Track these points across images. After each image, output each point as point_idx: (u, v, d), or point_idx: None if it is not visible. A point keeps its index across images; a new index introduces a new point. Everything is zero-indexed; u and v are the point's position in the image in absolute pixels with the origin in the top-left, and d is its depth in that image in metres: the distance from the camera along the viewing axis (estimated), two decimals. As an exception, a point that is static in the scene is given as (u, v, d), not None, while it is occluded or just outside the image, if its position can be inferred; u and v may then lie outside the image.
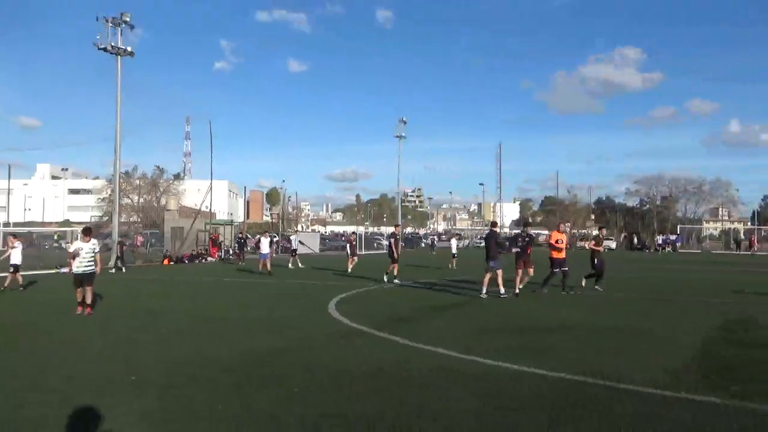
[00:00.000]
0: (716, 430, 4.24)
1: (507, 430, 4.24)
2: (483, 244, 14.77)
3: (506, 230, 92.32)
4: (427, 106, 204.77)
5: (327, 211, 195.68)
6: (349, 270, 20.61)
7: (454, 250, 25.70)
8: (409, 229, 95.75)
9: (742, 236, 55.82)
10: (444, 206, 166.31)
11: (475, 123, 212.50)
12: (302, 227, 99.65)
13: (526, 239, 13.63)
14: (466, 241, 28.85)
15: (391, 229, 64.15)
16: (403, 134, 55.62)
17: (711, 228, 78.22)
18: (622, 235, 65.17)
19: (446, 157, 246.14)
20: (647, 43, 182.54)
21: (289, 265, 24.29)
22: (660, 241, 55.79)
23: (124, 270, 22.89)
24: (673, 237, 57.59)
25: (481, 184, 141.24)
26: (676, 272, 22.77)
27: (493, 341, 7.70)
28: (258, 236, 25.85)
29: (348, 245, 22.66)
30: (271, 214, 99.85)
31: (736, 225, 74.42)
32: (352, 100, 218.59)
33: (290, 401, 4.91)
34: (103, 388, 5.32)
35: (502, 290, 12.57)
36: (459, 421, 4.41)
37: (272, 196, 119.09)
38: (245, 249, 30.80)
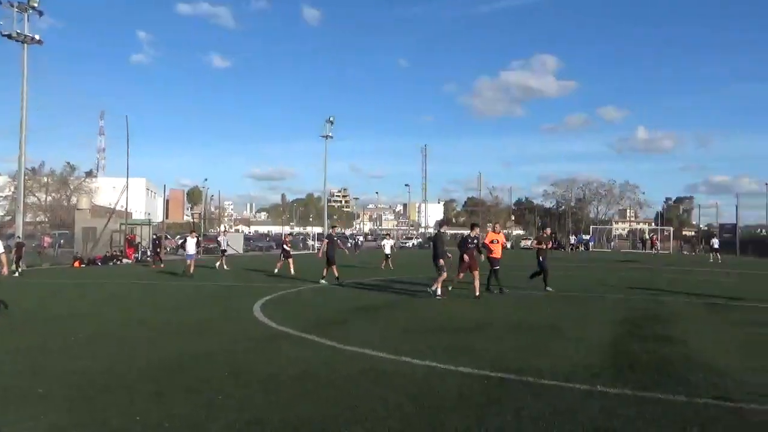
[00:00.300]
0: (629, 418, 4.50)
1: (434, 429, 4.29)
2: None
3: (430, 230, 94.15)
4: (354, 106, 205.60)
5: (251, 210, 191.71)
6: (292, 272, 20.07)
7: (387, 251, 25.44)
8: (337, 229, 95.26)
9: (647, 236, 59.97)
10: (370, 206, 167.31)
11: (401, 124, 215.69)
12: (225, 227, 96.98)
13: (474, 241, 13.75)
14: (393, 241, 29.02)
15: (318, 230, 63.61)
16: (330, 134, 55.53)
17: (620, 228, 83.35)
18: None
19: (372, 158, 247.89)
20: (563, 52, 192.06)
21: (217, 265, 23.57)
22: (573, 241, 58.89)
23: (21, 270, 21.28)
24: (586, 237, 60.95)
25: (406, 184, 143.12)
26: (589, 270, 24.05)
27: (421, 341, 7.80)
28: (179, 236, 24.70)
29: (283, 246, 22.09)
30: (192, 214, 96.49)
31: (641, 225, 79.70)
32: (278, 97, 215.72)
33: (214, 408, 4.74)
34: (6, 403, 4.90)
35: (439, 291, 12.85)
36: (387, 421, 4.41)
37: (193, 195, 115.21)
38: (162, 250, 29.49)
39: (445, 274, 12.92)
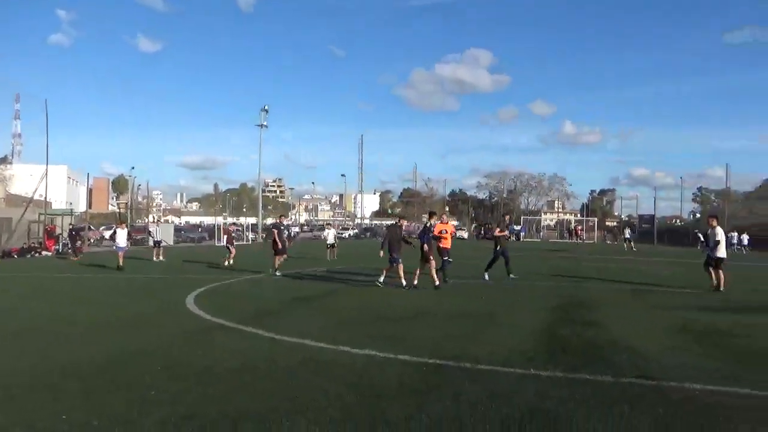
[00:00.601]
0: (562, 399, 4.70)
1: (375, 418, 4.31)
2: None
3: (367, 221, 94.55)
4: (289, 95, 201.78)
5: (182, 200, 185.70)
6: (227, 263, 19.47)
7: (330, 240, 25.10)
8: (269, 220, 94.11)
9: (573, 226, 63.03)
10: (306, 197, 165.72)
11: (337, 114, 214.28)
12: (154, 217, 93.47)
13: (432, 229, 13.66)
14: (335, 231, 28.58)
15: (252, 220, 62.47)
16: (265, 123, 54.53)
17: (548, 219, 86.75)
18: (473, 226, 70.15)
19: (308, 147, 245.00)
20: (497, 47, 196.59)
21: (154, 257, 22.71)
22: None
23: None
24: (518, 227, 63.11)
25: (342, 175, 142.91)
26: (521, 259, 24.78)
27: (360, 330, 7.82)
28: (104, 227, 23.31)
29: (226, 237, 21.34)
30: (117, 204, 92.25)
31: (568, 216, 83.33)
32: (209, 84, 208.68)
33: (147, 404, 4.55)
34: None
35: (404, 282, 12.77)
36: (328, 411, 4.40)
37: (119, 184, 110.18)
38: (84, 242, 27.93)
39: (399, 266, 12.77)
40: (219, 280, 14.59)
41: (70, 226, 29.90)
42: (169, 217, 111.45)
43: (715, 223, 13.96)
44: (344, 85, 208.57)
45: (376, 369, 5.73)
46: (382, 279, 13.10)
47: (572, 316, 9.39)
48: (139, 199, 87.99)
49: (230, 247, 20.62)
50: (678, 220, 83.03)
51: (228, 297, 11.87)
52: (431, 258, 13.22)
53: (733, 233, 41.47)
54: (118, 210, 68.81)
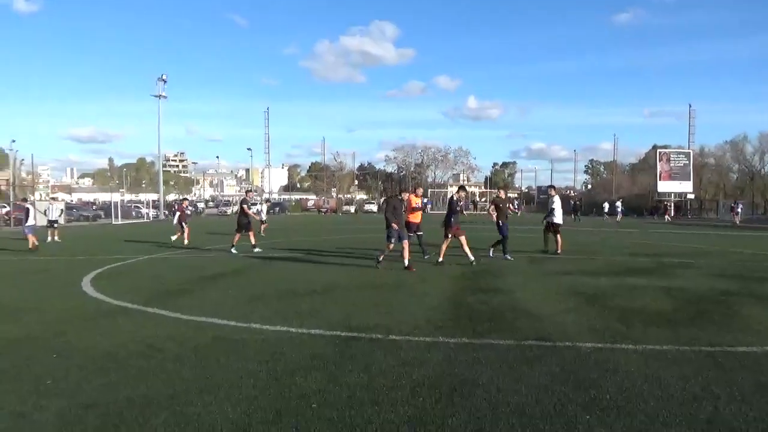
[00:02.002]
0: (468, 363, 4.96)
1: (287, 392, 4.32)
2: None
3: (275, 196, 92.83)
4: (189, 66, 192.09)
5: (72, 176, 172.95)
6: (186, 241, 18.73)
7: (262, 217, 24.84)
8: (171, 196, 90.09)
9: (478, 198, 65.85)
10: (210, 171, 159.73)
11: (241, 86, 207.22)
12: (41, 195, 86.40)
13: (460, 204, 13.05)
14: (265, 206, 27.73)
15: (153, 197, 59.70)
16: (163, 94, 51.75)
17: (454, 191, 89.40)
18: (383, 199, 71.03)
19: (211, 120, 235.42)
20: (401, 20, 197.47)
21: (49, 239, 21.01)
22: (413, 204, 62.85)
23: None
24: (425, 200, 64.97)
25: (248, 149, 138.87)
26: (428, 232, 25.53)
27: (271, 307, 7.74)
28: (27, 207, 20.54)
29: (178, 214, 20.20)
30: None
31: (473, 188, 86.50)
32: (99, 52, 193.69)
33: (43, 395, 4.27)
34: None
35: (381, 257, 12.33)
36: (241, 390, 4.36)
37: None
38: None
39: (392, 245, 12.05)
40: (115, 261, 13.83)
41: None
42: (59, 194, 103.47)
43: (553, 192, 15.67)
44: (248, 55, 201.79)
45: (289, 344, 5.72)
46: (381, 258, 12.30)
47: (477, 284, 9.83)
48: (24, 174, 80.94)
49: (183, 225, 19.60)
50: (571, 191, 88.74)
51: (128, 278, 11.28)
52: (462, 234, 12.65)
53: (618, 201, 47.33)
54: (-2, 187, 62.82)
